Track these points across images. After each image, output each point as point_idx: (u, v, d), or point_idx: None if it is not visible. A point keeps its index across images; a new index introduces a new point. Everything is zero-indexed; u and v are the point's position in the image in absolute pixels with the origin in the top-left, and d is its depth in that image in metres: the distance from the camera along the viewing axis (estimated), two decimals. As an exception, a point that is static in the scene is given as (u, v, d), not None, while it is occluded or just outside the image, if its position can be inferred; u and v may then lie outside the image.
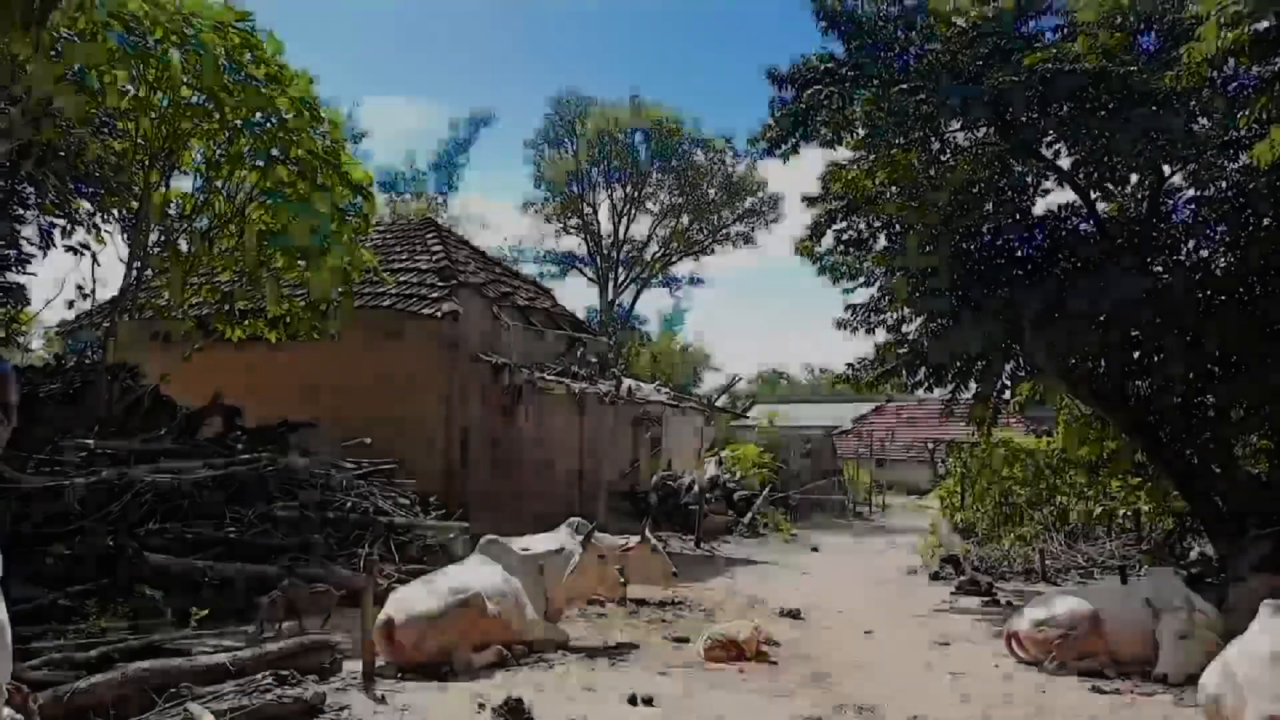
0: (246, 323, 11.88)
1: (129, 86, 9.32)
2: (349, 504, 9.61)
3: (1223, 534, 11.82)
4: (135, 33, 8.72)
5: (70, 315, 13.20)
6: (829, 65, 12.23)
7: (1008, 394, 14.69)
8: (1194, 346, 11.59)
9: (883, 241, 13.50)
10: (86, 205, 11.51)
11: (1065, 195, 12.91)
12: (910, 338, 13.58)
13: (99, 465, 8.50)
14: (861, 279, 13.84)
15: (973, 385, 14.11)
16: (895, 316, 13.61)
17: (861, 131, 12.54)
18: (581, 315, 26.96)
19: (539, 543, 8.43)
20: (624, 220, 43.41)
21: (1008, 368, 14.04)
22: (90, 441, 8.91)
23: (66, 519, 7.74)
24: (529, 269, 41.92)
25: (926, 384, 13.80)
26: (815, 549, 19.22)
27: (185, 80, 9.46)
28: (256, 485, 9.07)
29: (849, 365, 14.07)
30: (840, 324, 13.74)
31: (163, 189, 10.94)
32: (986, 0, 11.69)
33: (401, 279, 16.81)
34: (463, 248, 20.28)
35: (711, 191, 42.76)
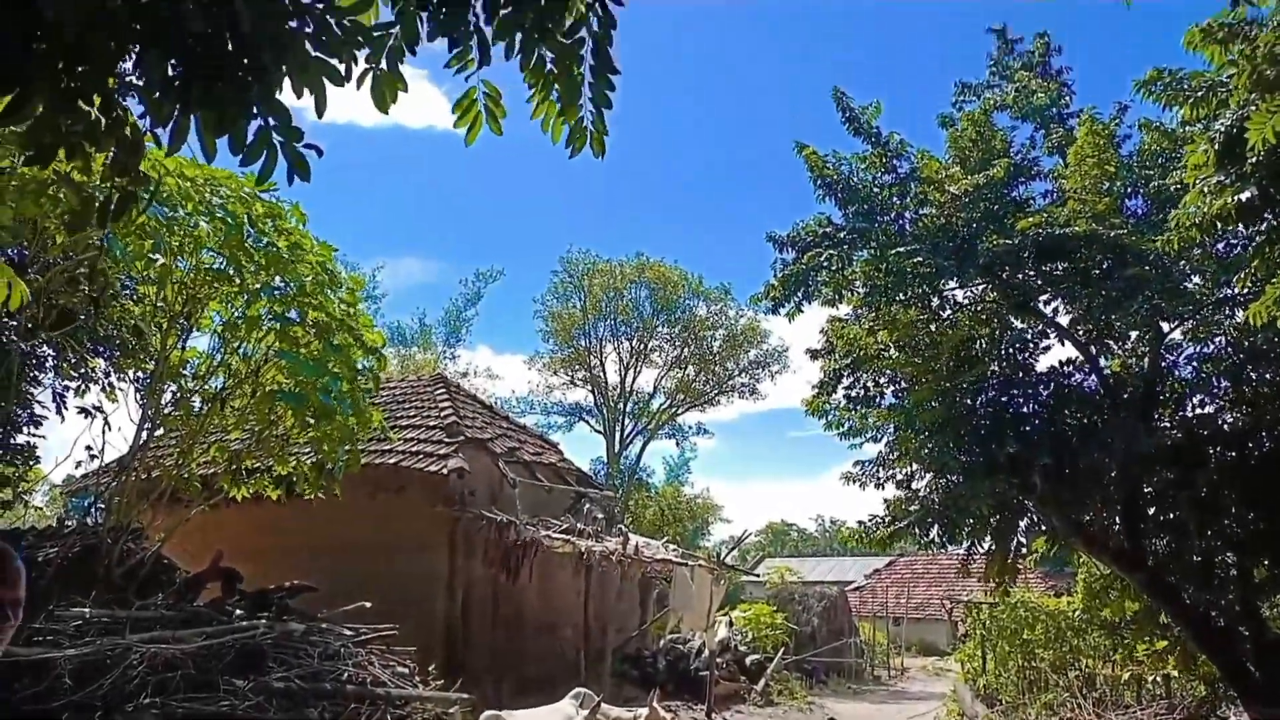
0: (252, 481, 11.85)
1: (155, 255, 9.70)
2: (346, 674, 9.30)
3: (1256, 701, 11.29)
4: (167, 205, 9.17)
5: (77, 474, 13.21)
6: (828, 229, 12.72)
7: (1024, 551, 14.41)
8: (1208, 505, 11.45)
9: (889, 398, 13.62)
10: (102, 364, 11.74)
11: (1067, 351, 13.14)
12: (921, 494, 13.47)
13: (93, 634, 8.31)
14: (869, 434, 13.87)
15: (988, 542, 13.87)
16: (905, 472, 13.55)
17: (862, 290, 12.90)
18: (588, 467, 26.84)
19: (542, 717, 8.09)
20: (630, 373, 44.03)
21: (1022, 524, 13.84)
22: (86, 610, 8.74)
23: (57, 693, 7.49)
24: (536, 420, 42.13)
25: (940, 541, 13.57)
26: (832, 720, 18.34)
27: (208, 249, 9.86)
28: (253, 654, 8.82)
29: (860, 523, 13.89)
30: (849, 479, 13.66)
31: (179, 349, 11.18)
32: (977, 169, 12.28)
33: (409, 435, 16.89)
34: (470, 403, 20.47)
35: (715, 343, 43.50)
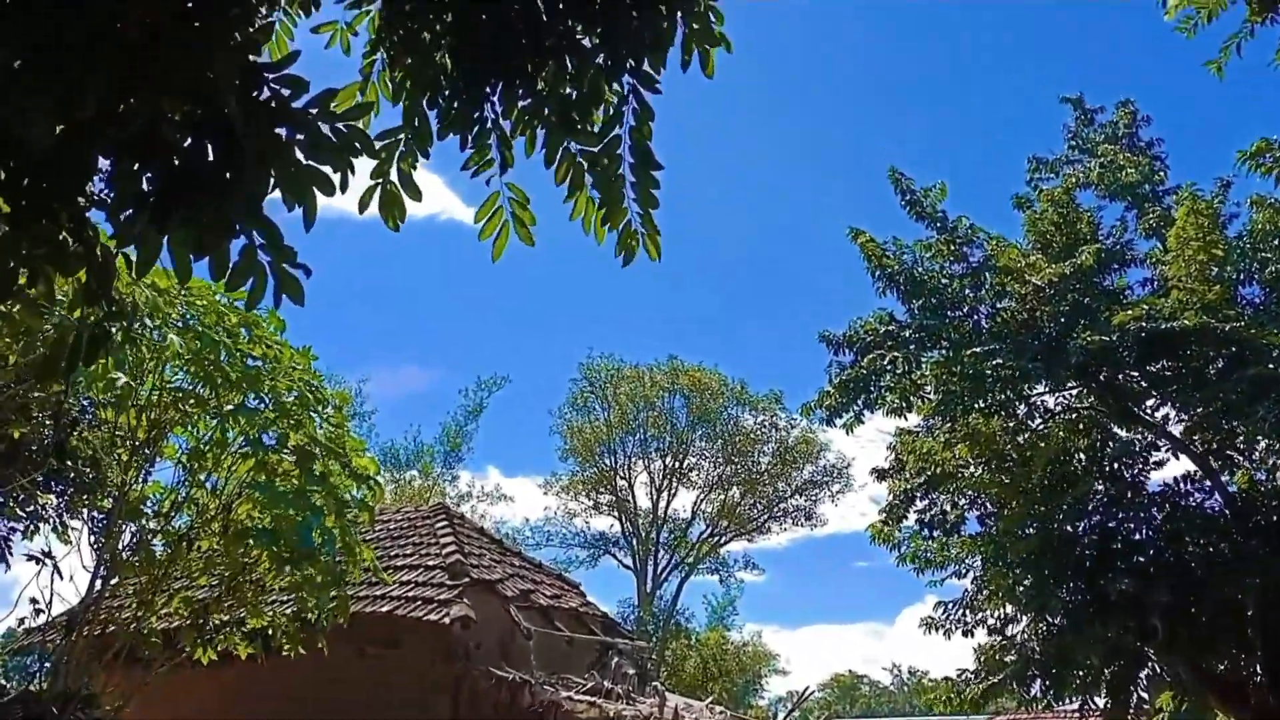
0: (221, 637, 11.67)
1: (117, 375, 9.83)
2: None
3: None
4: (133, 319, 9.33)
5: (20, 630, 13.10)
6: (890, 327, 12.76)
7: (1146, 708, 13.79)
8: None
9: (972, 524, 13.37)
10: (54, 500, 11.77)
11: (1183, 465, 12.88)
12: (1018, 640, 13.03)
13: (28, 827, 8.05)
14: (951, 568, 13.56)
15: (1102, 697, 13.30)
16: (997, 615, 13.16)
17: (934, 397, 12.81)
18: (616, 611, 26.36)
19: None
20: (664, 496, 43.67)
21: (1142, 676, 13.29)
22: (21, 797, 8.51)
23: None
24: (554, 556, 41.61)
25: (1045, 697, 13.05)
26: None
27: (176, 366, 9.98)
28: None
29: (947, 679, 13.40)
30: (930, 626, 13.26)
31: (140, 484, 11.21)
32: (1062, 256, 12.35)
33: (405, 577, 16.69)
34: (477, 537, 20.26)
35: (763, 459, 43.20)
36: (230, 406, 10.64)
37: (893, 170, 13.75)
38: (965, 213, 13.24)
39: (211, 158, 2.53)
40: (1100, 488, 12.74)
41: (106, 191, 2.55)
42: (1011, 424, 12.90)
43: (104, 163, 2.60)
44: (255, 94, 2.53)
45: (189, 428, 11.19)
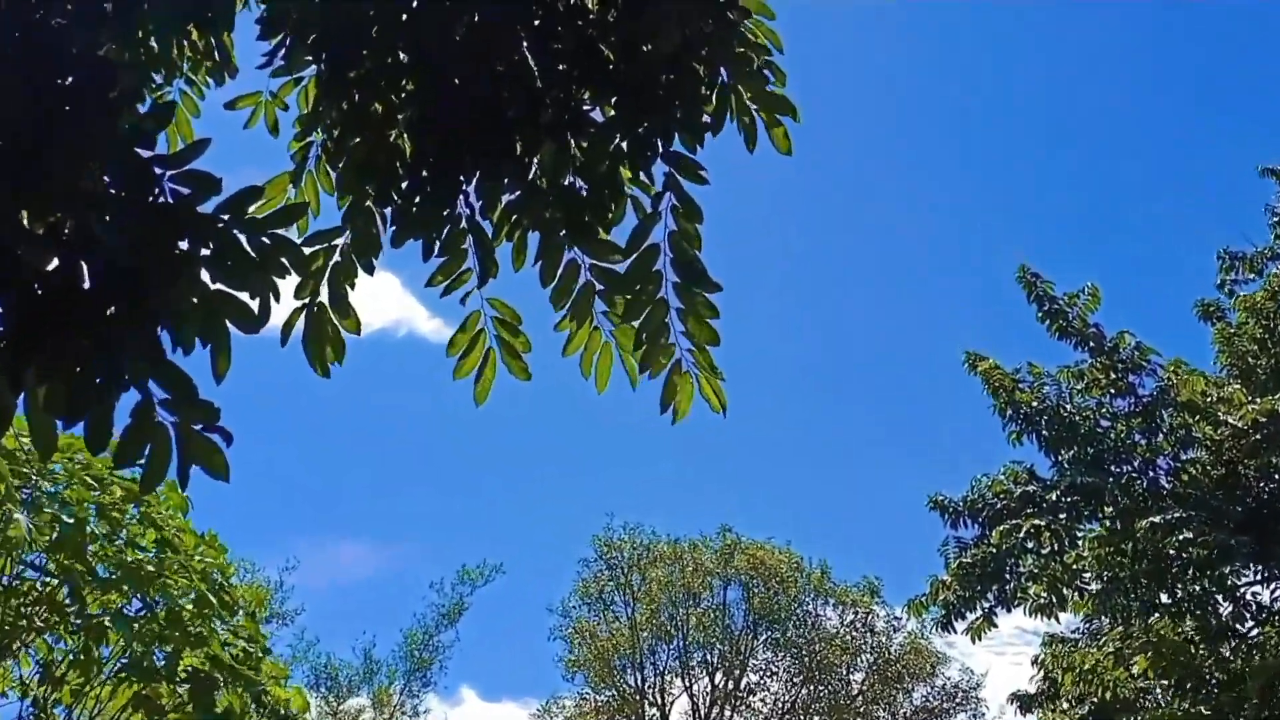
0: None
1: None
2: None
3: None
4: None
5: None
6: (1029, 488, 12.67)
7: None
8: None
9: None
10: None
11: None
12: None
13: None
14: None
15: None
16: None
17: (1095, 588, 12.62)
18: None
19: None
20: (713, 730, 42.75)
21: None
22: None
23: None
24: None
25: None
26: None
27: (32, 557, 10.01)
28: None
29: None
30: None
31: (-28, 724, 11.14)
32: (1271, 385, 12.31)
33: None
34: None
35: (856, 676, 42.39)
36: (102, 613, 10.63)
37: (1023, 269, 13.85)
38: (1128, 327, 13.28)
39: (88, 285, 2.58)
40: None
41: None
42: (1209, 628, 12.62)
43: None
44: (147, 198, 2.60)
45: (46, 644, 11.16)
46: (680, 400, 3.74)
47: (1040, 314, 13.60)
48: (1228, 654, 12.83)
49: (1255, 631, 12.82)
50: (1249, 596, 12.80)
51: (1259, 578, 12.62)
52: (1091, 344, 13.29)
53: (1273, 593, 12.83)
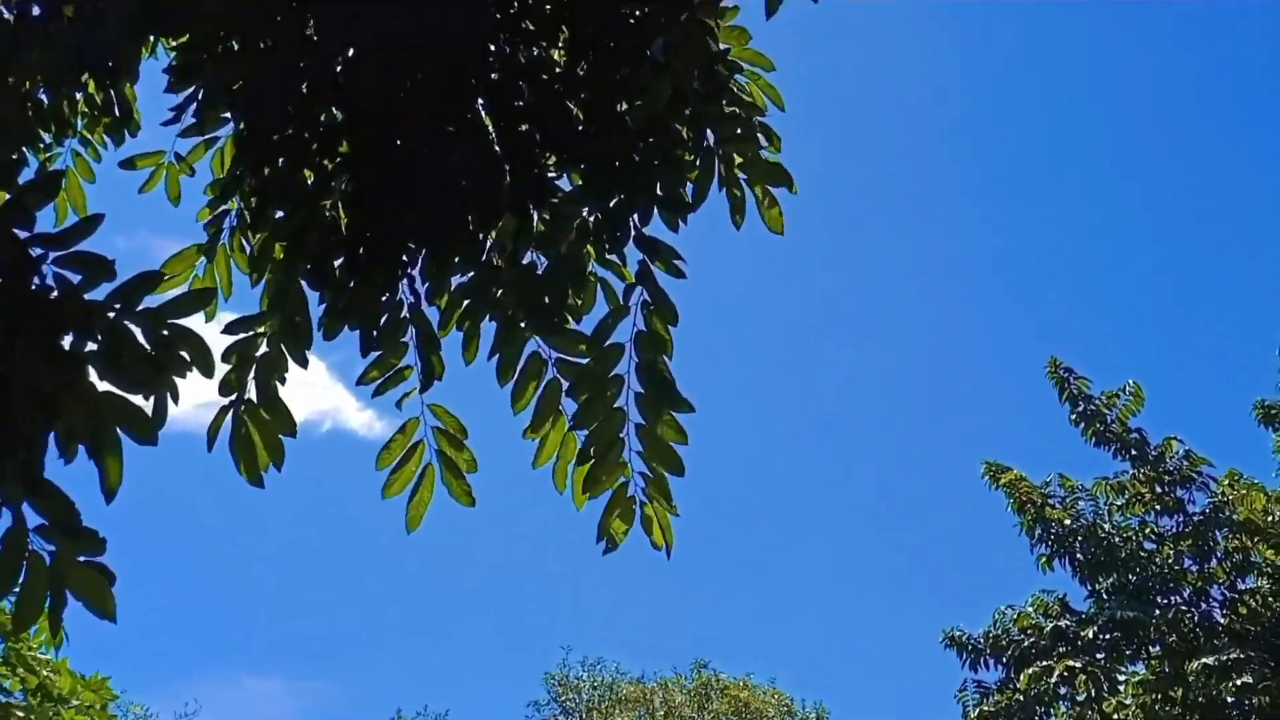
0: None
1: None
2: None
3: None
4: None
5: None
6: (1061, 622, 12.59)
7: None
8: None
9: None
10: None
11: None
12: None
13: None
14: None
15: None
16: None
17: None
18: None
19: None
20: None
21: None
22: None
23: None
24: None
25: None
26: None
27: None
28: None
29: None
30: None
31: None
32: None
33: None
34: None
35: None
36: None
37: (1054, 363, 13.89)
38: (1175, 432, 13.29)
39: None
40: None
41: None
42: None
43: None
44: (25, 287, 2.54)
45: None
46: (617, 529, 3.62)
47: (1074, 416, 13.61)
48: None
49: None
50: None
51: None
52: (1133, 452, 13.28)
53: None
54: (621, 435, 3.57)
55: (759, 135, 3.70)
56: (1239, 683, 11.39)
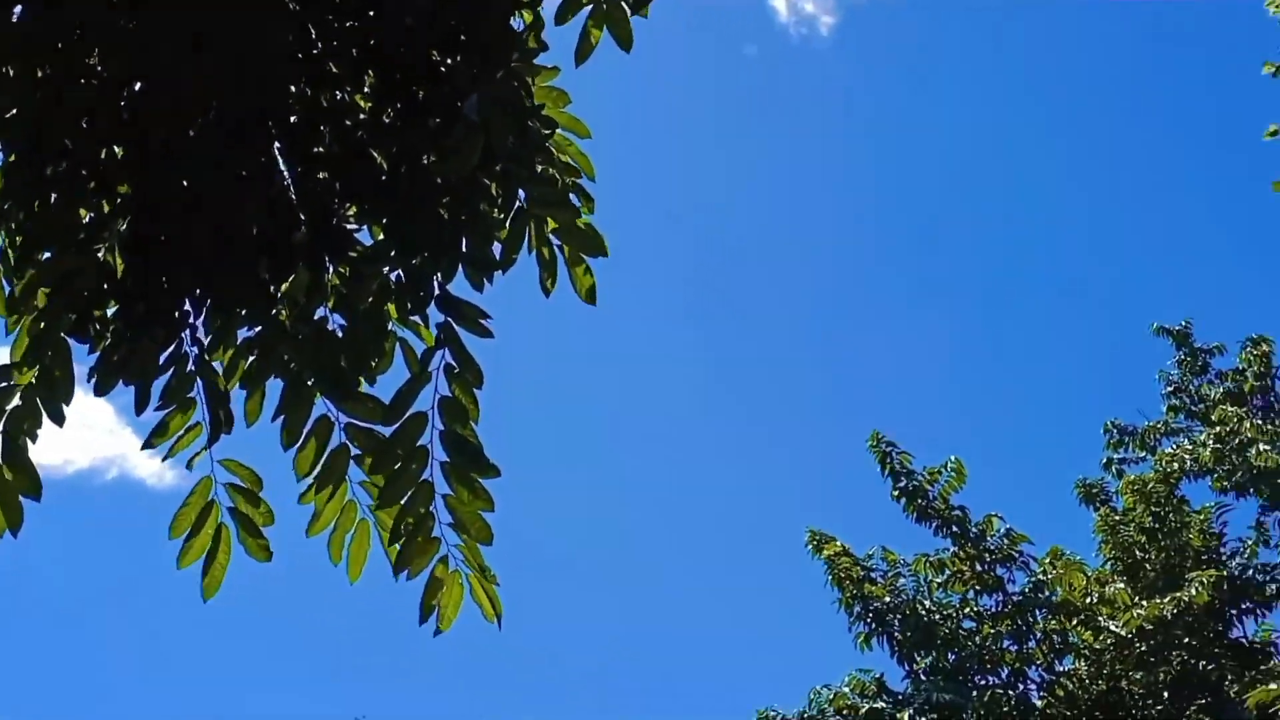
0: None
1: None
2: None
3: None
4: None
5: None
6: (878, 704, 12.66)
7: None
8: None
9: None
10: None
11: None
12: None
13: None
14: None
15: None
16: None
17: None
18: None
19: None
20: None
21: None
22: None
23: None
24: None
25: None
26: None
27: None
28: None
29: None
30: None
31: None
32: (1162, 585, 12.59)
33: None
34: None
35: None
36: None
37: (875, 437, 14.01)
38: (996, 508, 13.48)
39: None
40: None
41: None
42: None
43: None
44: None
45: None
46: (446, 607, 3.61)
47: (895, 491, 13.71)
48: None
49: None
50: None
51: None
52: (954, 529, 13.41)
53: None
54: (431, 509, 3.55)
55: (573, 197, 3.71)
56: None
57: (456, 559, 3.61)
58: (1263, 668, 12.49)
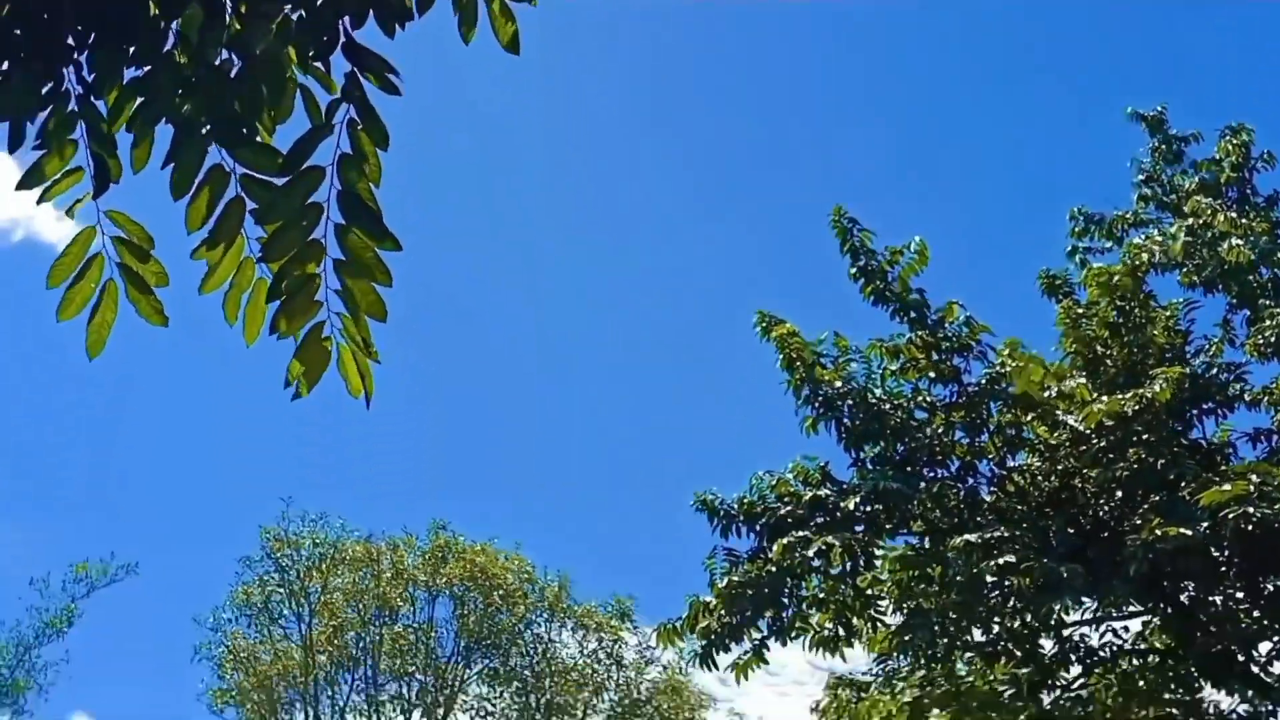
0: None
1: None
2: None
3: None
4: None
5: None
6: (821, 491, 12.73)
7: None
8: None
9: None
10: None
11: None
12: None
13: None
14: None
15: None
16: None
17: (894, 621, 12.80)
18: None
19: None
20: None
21: None
22: None
23: None
24: None
25: None
26: None
27: None
28: None
29: None
30: None
31: None
32: (1122, 381, 12.69)
33: None
34: None
35: (598, 711, 42.64)
36: None
37: (838, 212, 13.92)
38: (958, 296, 13.52)
39: None
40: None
41: None
42: (1028, 676, 13.01)
43: None
44: None
45: None
46: (309, 371, 3.58)
47: (854, 270, 13.66)
48: (1049, 706, 13.12)
49: (1080, 682, 13.19)
50: (1076, 637, 13.17)
51: (1089, 616, 12.97)
52: (912, 314, 13.41)
53: (1102, 635, 13.25)
54: (318, 271, 3.50)
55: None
56: (1000, 562, 11.72)
57: (334, 327, 3.57)
58: (1221, 469, 12.60)
